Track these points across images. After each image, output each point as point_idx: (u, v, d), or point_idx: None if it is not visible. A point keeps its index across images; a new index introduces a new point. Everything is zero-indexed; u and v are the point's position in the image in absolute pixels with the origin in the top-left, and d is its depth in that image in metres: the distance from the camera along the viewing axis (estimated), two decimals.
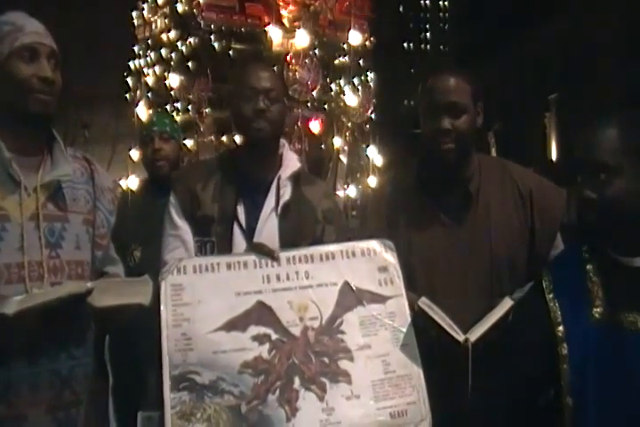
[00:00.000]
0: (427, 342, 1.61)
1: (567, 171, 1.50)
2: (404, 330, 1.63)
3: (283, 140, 1.95)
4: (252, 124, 1.80)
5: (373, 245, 1.71)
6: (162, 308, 1.54)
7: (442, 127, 1.74)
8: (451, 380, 1.59)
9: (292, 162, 1.91)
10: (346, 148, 5.26)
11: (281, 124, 1.89)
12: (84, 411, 1.51)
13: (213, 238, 1.79)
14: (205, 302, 1.57)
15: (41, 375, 1.43)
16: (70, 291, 1.36)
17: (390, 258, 1.70)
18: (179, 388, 1.48)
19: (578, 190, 1.44)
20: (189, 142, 4.50)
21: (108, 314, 1.43)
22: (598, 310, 1.43)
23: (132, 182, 4.17)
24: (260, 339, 1.55)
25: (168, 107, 4.81)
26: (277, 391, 1.51)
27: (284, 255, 1.66)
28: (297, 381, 1.53)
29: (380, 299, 1.65)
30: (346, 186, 5.19)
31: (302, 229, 1.83)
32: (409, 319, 1.63)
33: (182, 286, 1.57)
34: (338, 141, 5.22)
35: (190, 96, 4.67)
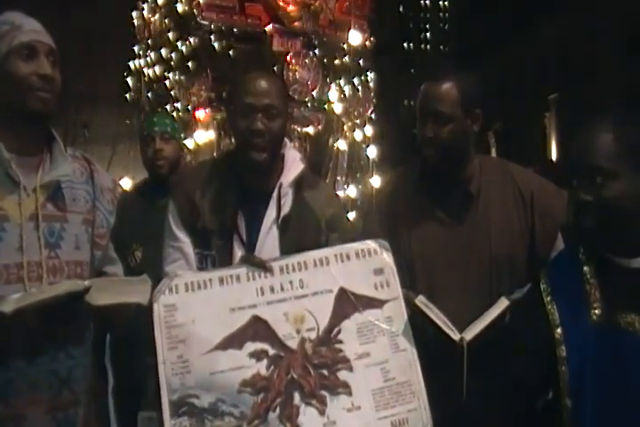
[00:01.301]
0: (423, 342, 1.60)
1: (565, 172, 1.49)
2: (402, 335, 1.58)
3: (285, 140, 1.84)
4: (251, 153, 1.71)
5: (368, 245, 1.65)
6: (156, 332, 1.49)
7: (424, 135, 1.77)
8: (447, 379, 1.58)
9: (294, 164, 1.82)
10: (346, 148, 5.24)
11: (281, 139, 1.79)
12: (83, 411, 1.51)
13: (213, 252, 1.73)
14: (200, 320, 1.52)
15: (40, 375, 1.43)
16: (68, 289, 1.35)
17: (386, 258, 1.64)
18: (178, 413, 1.44)
19: (574, 193, 1.43)
20: (190, 142, 4.49)
21: (105, 313, 1.43)
22: (596, 311, 1.43)
23: (132, 182, 4.16)
24: (257, 355, 1.51)
25: (168, 107, 4.80)
26: (278, 409, 1.48)
27: (276, 264, 1.60)
28: (297, 396, 1.50)
29: (376, 304, 1.60)
30: (346, 186, 5.17)
31: (305, 241, 1.74)
32: (407, 323, 1.59)
33: (175, 306, 1.52)
34: (338, 142, 5.21)
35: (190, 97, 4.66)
